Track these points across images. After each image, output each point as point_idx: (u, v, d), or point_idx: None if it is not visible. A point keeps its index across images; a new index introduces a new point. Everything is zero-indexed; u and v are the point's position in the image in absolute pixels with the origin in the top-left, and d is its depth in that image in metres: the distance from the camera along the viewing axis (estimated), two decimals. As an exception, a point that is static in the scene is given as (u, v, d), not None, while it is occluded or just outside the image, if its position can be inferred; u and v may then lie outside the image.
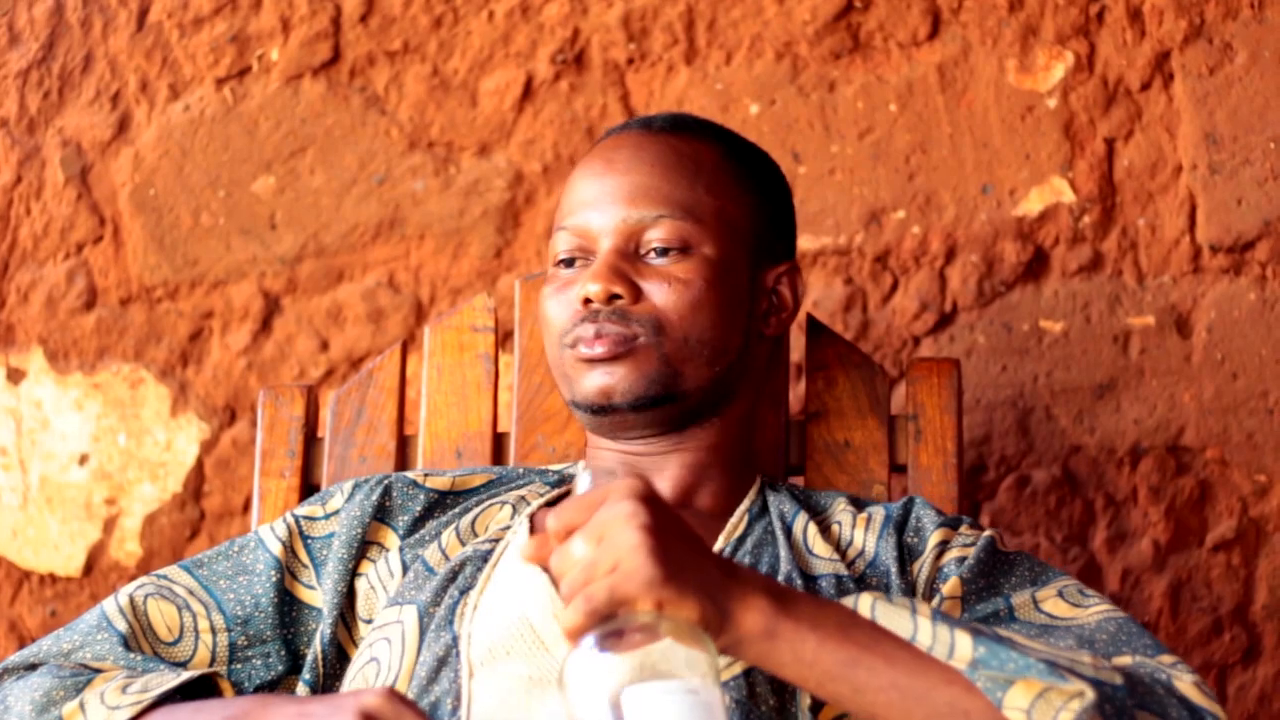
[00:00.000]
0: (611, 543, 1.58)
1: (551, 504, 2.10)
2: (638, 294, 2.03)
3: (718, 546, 1.99)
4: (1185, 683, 1.70)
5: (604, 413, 2.03)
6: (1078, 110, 2.72)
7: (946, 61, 2.74)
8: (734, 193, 2.12)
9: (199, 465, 2.79)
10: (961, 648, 1.62)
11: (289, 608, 2.03)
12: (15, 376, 2.81)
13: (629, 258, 2.05)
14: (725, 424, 2.10)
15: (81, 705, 1.83)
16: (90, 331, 2.79)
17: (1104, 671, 1.63)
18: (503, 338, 2.47)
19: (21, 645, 2.76)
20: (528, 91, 2.78)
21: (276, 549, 2.05)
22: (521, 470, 2.19)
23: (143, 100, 2.80)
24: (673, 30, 2.77)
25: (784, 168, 2.71)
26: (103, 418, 2.78)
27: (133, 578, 2.75)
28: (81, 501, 2.78)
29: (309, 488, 2.39)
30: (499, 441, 2.40)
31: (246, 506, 2.75)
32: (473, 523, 2.06)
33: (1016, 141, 2.72)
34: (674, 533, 1.61)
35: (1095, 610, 1.86)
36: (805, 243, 2.71)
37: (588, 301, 2.03)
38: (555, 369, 2.10)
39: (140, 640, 1.96)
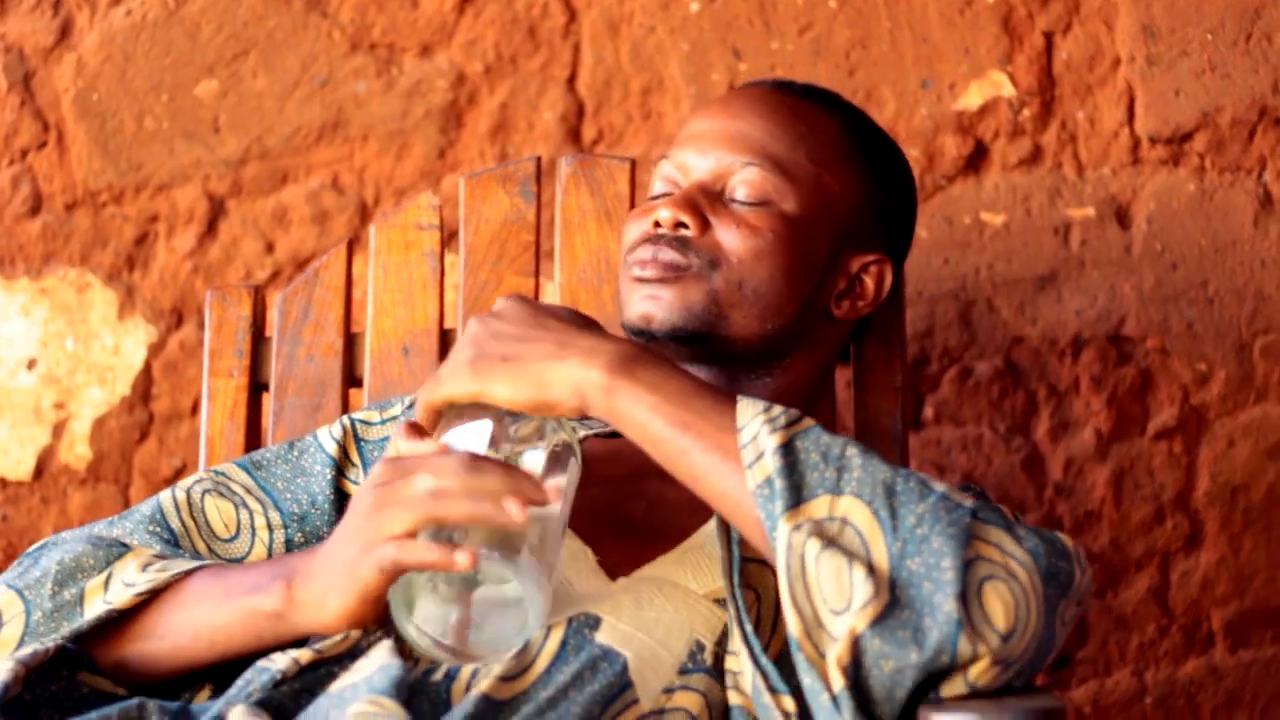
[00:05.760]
0: (451, 358, 1.82)
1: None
2: (705, 227, 2.04)
3: None
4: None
5: (643, 338, 2.03)
6: (1016, 4, 2.73)
7: (885, -44, 2.75)
8: (839, 168, 2.11)
9: (147, 368, 2.79)
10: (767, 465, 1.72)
11: (343, 505, 2.04)
12: (-38, 285, 2.82)
13: (710, 196, 2.06)
14: (778, 392, 2.07)
15: (107, 581, 1.85)
16: (36, 237, 2.79)
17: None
18: (448, 237, 2.48)
19: (-24, 552, 2.78)
20: (468, -8, 2.79)
21: (332, 448, 2.07)
22: None
23: (84, 6, 2.79)
24: (612, -72, 2.77)
25: (724, 65, 2.75)
26: (50, 322, 2.78)
27: (83, 481, 2.77)
28: (30, 406, 2.78)
29: (257, 387, 2.40)
30: (445, 338, 2.41)
31: (195, 409, 2.76)
32: None
33: (955, 36, 2.73)
34: (504, 331, 1.81)
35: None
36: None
37: (657, 225, 2.05)
38: (620, 291, 2.10)
39: (194, 539, 1.98)
